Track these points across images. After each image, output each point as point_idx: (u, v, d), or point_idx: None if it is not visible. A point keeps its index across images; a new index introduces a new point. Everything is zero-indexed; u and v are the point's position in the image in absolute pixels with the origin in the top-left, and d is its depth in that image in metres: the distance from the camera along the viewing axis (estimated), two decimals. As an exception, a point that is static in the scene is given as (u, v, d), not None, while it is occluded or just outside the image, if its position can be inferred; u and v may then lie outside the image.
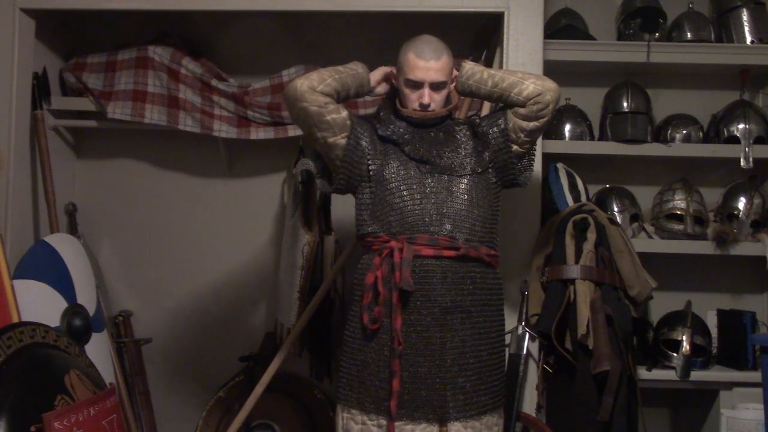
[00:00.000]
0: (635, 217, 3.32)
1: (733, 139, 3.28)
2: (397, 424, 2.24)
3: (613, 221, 2.98)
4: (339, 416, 2.37)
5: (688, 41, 3.34)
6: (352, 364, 2.34)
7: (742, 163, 3.23)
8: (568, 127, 3.38)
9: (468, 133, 2.46)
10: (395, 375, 2.23)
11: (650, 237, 3.31)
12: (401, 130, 2.41)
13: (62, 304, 2.79)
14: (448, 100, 2.48)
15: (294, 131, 3.28)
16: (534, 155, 2.54)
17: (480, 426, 2.31)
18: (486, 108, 3.12)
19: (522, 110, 2.38)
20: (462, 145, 2.42)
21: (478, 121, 2.49)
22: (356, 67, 2.46)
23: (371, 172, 2.39)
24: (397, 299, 2.25)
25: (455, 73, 2.46)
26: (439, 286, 2.28)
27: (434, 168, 2.37)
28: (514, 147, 2.43)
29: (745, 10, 3.34)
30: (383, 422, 2.26)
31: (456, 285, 2.29)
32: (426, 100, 2.36)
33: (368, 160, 2.39)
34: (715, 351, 3.26)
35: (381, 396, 2.27)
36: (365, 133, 2.41)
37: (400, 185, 2.34)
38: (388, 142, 2.41)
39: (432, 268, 2.28)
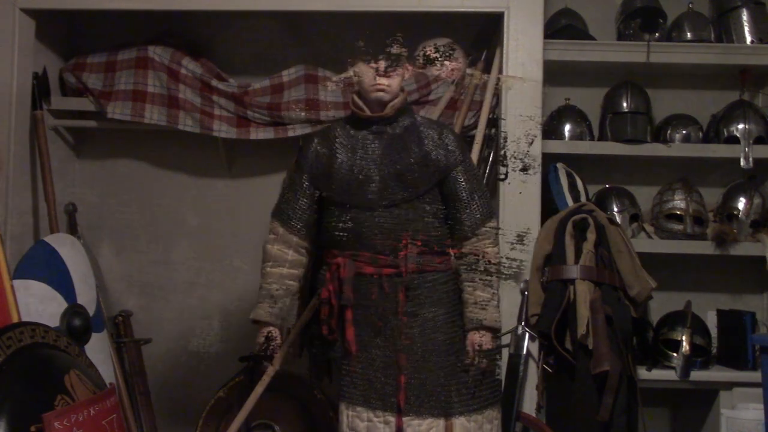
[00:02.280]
0: (635, 217, 3.32)
1: (733, 139, 3.28)
2: (404, 419, 2.31)
3: (612, 221, 2.99)
4: (343, 414, 2.42)
5: (688, 41, 3.34)
6: (356, 362, 2.40)
7: (741, 163, 3.23)
8: (567, 127, 3.37)
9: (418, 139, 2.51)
10: (403, 369, 2.34)
11: (650, 237, 3.31)
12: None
13: (62, 304, 2.79)
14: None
15: (294, 131, 3.28)
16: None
17: (482, 420, 2.35)
18: (484, 114, 3.12)
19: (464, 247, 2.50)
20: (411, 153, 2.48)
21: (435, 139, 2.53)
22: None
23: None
24: (346, 312, 2.39)
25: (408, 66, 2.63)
26: (380, 299, 2.39)
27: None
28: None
29: (744, 10, 3.33)
30: (390, 418, 2.32)
31: (397, 294, 2.39)
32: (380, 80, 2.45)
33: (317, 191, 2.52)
34: (715, 351, 3.26)
35: (387, 392, 2.33)
36: (316, 168, 2.52)
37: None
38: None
39: (373, 283, 2.40)
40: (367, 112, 2.46)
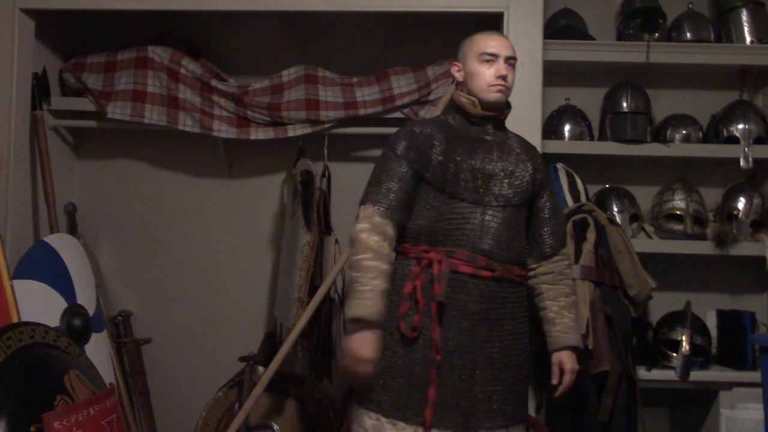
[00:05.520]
0: (635, 218, 3.32)
1: (733, 139, 3.28)
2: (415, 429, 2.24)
3: (612, 221, 2.99)
4: (353, 409, 2.37)
5: (688, 41, 3.34)
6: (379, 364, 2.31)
7: (741, 163, 3.23)
8: (567, 127, 3.37)
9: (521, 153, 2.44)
10: (432, 384, 2.23)
11: (650, 237, 3.31)
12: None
13: (62, 304, 2.79)
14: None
15: (293, 131, 3.28)
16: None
17: None
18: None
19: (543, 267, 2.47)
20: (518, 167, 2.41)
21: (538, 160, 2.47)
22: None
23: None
24: (436, 310, 2.25)
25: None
26: (472, 302, 2.28)
27: None
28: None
29: (744, 10, 3.34)
30: (397, 422, 2.25)
31: (488, 301, 2.30)
32: (504, 71, 2.33)
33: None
34: (714, 351, 3.26)
35: (400, 400, 2.26)
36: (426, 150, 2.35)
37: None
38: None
39: (467, 284, 2.28)
40: (479, 110, 2.36)
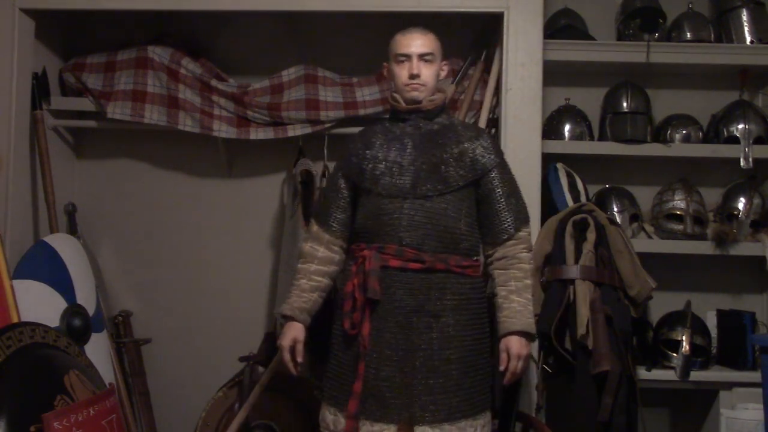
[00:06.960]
0: (635, 218, 3.32)
1: (733, 139, 3.28)
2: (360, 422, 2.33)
3: (612, 221, 2.98)
4: (322, 405, 2.49)
5: (688, 41, 3.34)
6: (333, 361, 2.46)
7: (741, 163, 3.23)
8: (567, 127, 3.37)
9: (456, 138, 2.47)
10: (359, 377, 2.32)
11: (650, 237, 3.31)
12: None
13: (62, 304, 2.79)
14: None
15: (293, 131, 3.29)
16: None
17: (454, 430, 2.32)
18: (484, 114, 3.13)
19: (497, 252, 2.44)
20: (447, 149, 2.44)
21: (480, 144, 2.48)
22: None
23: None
24: (366, 306, 2.34)
25: (446, 65, 2.53)
26: (405, 295, 2.34)
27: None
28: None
29: (744, 10, 3.33)
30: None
31: (422, 292, 2.34)
32: (414, 70, 2.40)
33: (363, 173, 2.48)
34: (714, 351, 3.26)
35: (346, 394, 2.36)
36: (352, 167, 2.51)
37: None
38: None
39: (398, 277, 2.34)
40: (404, 105, 2.45)
